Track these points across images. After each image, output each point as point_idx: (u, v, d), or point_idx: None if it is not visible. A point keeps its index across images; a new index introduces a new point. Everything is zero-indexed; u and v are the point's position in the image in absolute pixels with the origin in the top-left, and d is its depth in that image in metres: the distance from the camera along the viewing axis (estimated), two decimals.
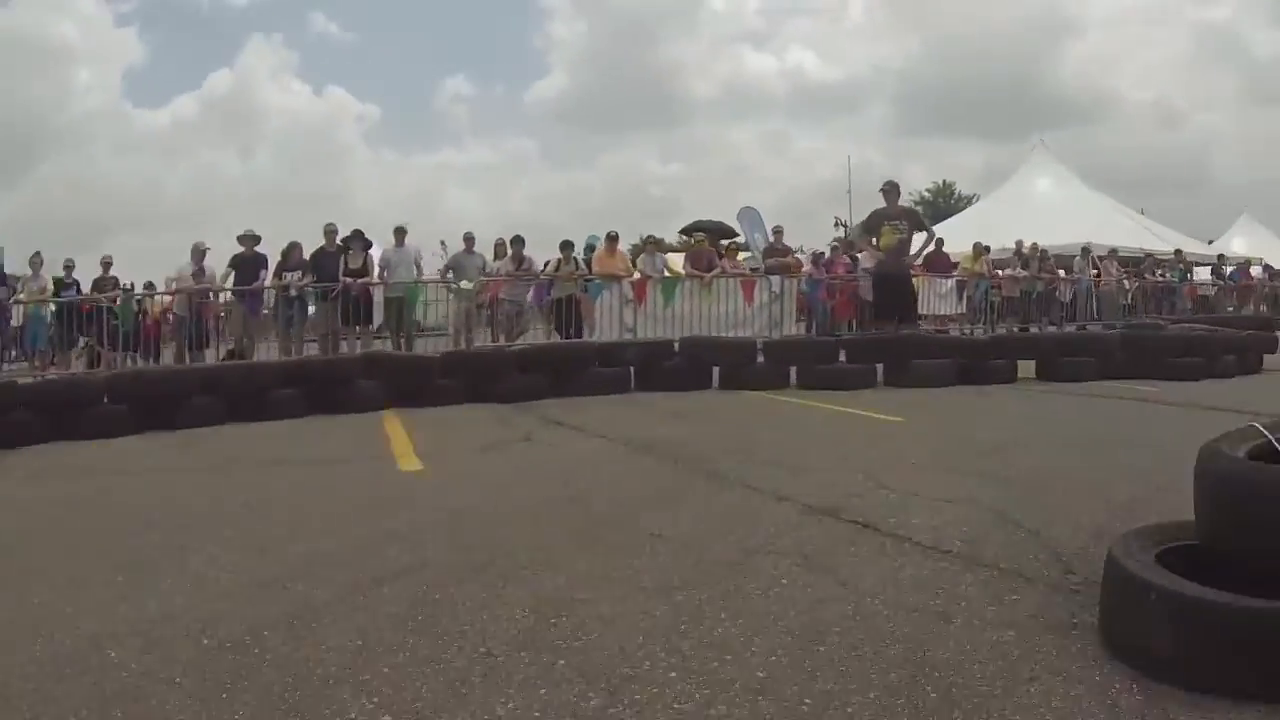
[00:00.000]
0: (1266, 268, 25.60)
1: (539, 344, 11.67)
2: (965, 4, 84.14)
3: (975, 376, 9.20)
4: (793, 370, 9.47)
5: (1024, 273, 16.91)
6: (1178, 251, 21.97)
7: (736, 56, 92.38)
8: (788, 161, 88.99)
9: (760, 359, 9.66)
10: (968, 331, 15.36)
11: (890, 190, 10.52)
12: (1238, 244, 28.34)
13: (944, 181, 58.79)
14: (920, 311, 14.78)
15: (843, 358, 9.60)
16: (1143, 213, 28.83)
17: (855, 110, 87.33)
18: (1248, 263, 24.18)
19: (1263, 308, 22.92)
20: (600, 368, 9.38)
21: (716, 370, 9.54)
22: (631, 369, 9.52)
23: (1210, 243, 28.39)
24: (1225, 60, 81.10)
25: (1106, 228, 22.06)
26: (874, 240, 10.63)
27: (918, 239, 10.94)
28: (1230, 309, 21.77)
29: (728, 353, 9.73)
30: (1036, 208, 24.35)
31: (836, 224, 40.13)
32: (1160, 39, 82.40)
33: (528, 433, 6.56)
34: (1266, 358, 10.93)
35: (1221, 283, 22.36)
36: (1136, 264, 20.39)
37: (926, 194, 51.93)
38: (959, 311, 15.86)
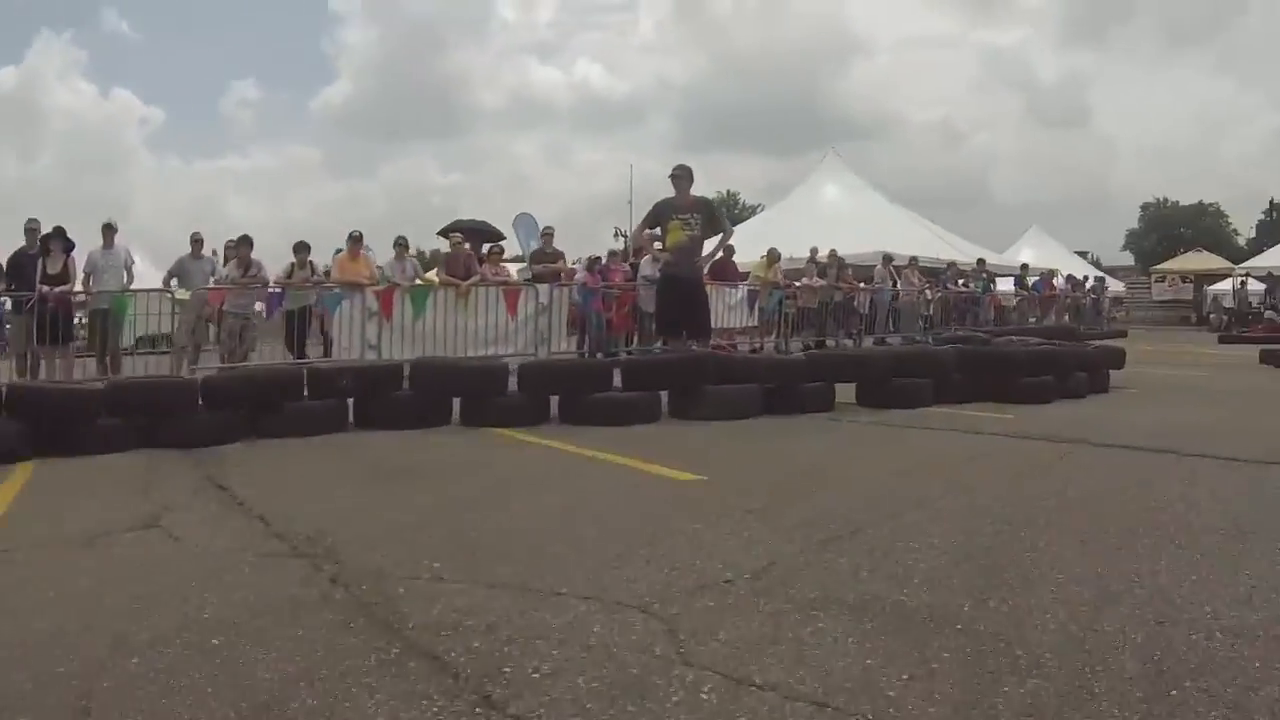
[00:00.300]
0: (1069, 278, 28.34)
1: (228, 371, 10.77)
2: (755, 23, 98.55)
3: (785, 403, 8.38)
4: (556, 400, 8.32)
5: (821, 281, 17.63)
6: (981, 261, 23.74)
7: (523, 67, 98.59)
8: (570, 173, 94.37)
9: (513, 386, 8.37)
10: (758, 346, 15.85)
11: (681, 176, 9.28)
12: (1026, 254, 31.11)
13: (728, 192, 61.86)
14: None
15: (619, 382, 8.45)
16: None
17: (639, 124, 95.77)
18: (1051, 273, 26.62)
19: (1065, 318, 25.30)
20: (310, 400, 8.12)
21: (458, 401, 8.32)
22: (350, 401, 8.29)
23: (1000, 254, 31.07)
24: (1011, 83, 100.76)
25: (903, 237, 23.23)
26: (659, 239, 9.72)
27: (710, 241, 10.31)
28: (1032, 320, 23.85)
29: (471, 379, 8.40)
30: (828, 216, 25.36)
31: (616, 234, 40.82)
32: (948, 61, 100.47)
33: (163, 507, 5.00)
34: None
35: (1025, 293, 24.47)
36: (938, 274, 21.85)
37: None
38: (750, 324, 16.16)
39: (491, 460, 6.51)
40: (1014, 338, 12.44)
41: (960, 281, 21.92)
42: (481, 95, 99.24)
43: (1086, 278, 30.99)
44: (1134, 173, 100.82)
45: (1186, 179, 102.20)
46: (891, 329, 19.02)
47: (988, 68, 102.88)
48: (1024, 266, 25.54)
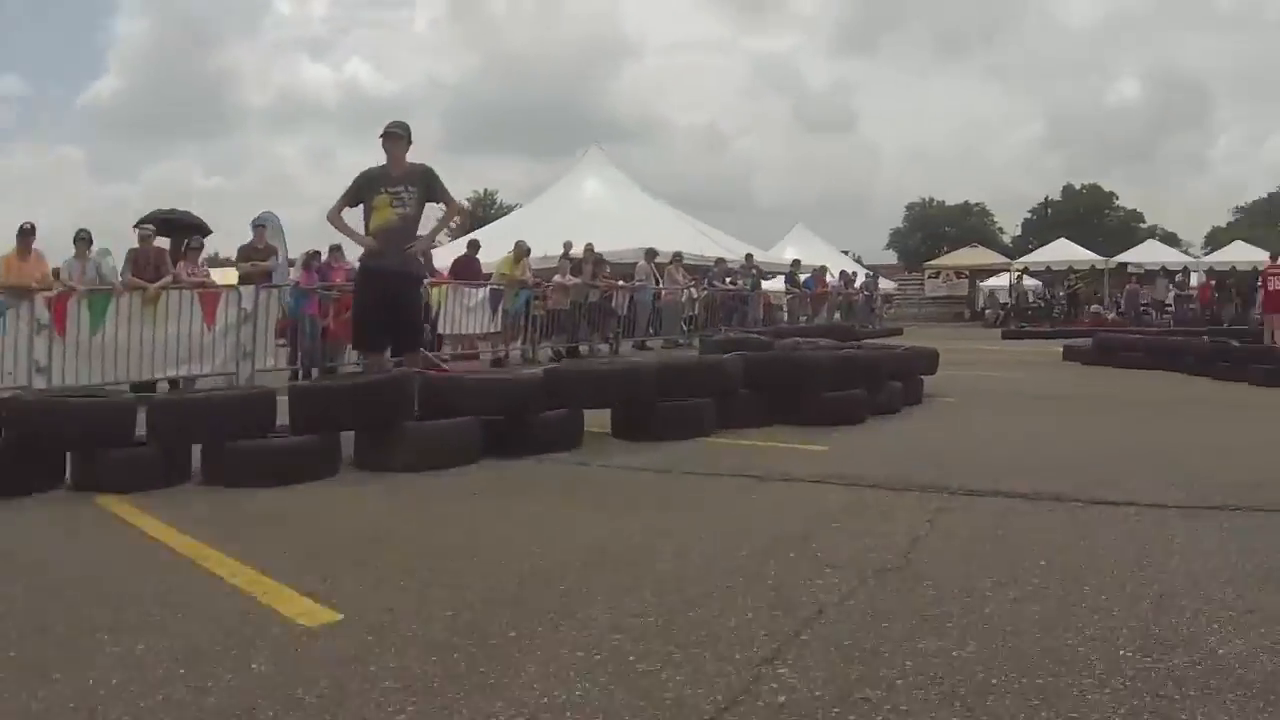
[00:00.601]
0: (842, 274, 30.02)
1: None
2: (529, 24, 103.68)
3: (516, 441, 6.74)
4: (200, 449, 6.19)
5: (575, 279, 17.52)
6: (749, 256, 24.59)
7: (294, 64, 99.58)
8: (334, 176, 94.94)
9: (142, 433, 6.17)
10: (502, 354, 15.33)
11: (396, 136, 7.73)
12: (791, 252, 32.28)
13: (485, 190, 62.89)
14: (441, 330, 14.29)
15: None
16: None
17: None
18: (823, 269, 28.07)
19: (836, 316, 26.70)
20: None
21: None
22: None
23: (766, 251, 32.63)
24: (780, 88, 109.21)
25: (667, 234, 23.52)
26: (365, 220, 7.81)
27: (432, 221, 8.86)
28: (804, 318, 25.00)
29: (76, 423, 5.99)
30: (588, 212, 25.55)
31: None
32: (718, 66, 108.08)
33: None
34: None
35: (796, 290, 25.61)
36: (704, 272, 22.36)
37: (466, 203, 55.45)
38: (492, 329, 15.67)
39: (70, 562, 4.34)
40: (800, 340, 11.85)
41: (728, 279, 22.60)
42: (250, 93, 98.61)
43: (856, 274, 32.94)
44: (898, 176, 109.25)
45: (950, 183, 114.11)
46: (653, 332, 19.28)
47: (757, 73, 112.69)
48: (795, 262, 26.59)
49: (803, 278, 26.10)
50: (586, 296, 17.54)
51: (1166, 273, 33.86)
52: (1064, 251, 36.92)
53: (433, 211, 8.58)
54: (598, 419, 7.40)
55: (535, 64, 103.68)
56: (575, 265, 18.10)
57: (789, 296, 25.28)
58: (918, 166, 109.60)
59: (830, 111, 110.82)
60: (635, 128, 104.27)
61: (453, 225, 12.08)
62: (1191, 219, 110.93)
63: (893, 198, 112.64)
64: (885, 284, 39.07)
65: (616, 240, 21.12)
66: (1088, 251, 37.52)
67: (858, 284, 31.08)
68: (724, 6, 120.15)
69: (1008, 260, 40.46)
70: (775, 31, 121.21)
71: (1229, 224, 67.99)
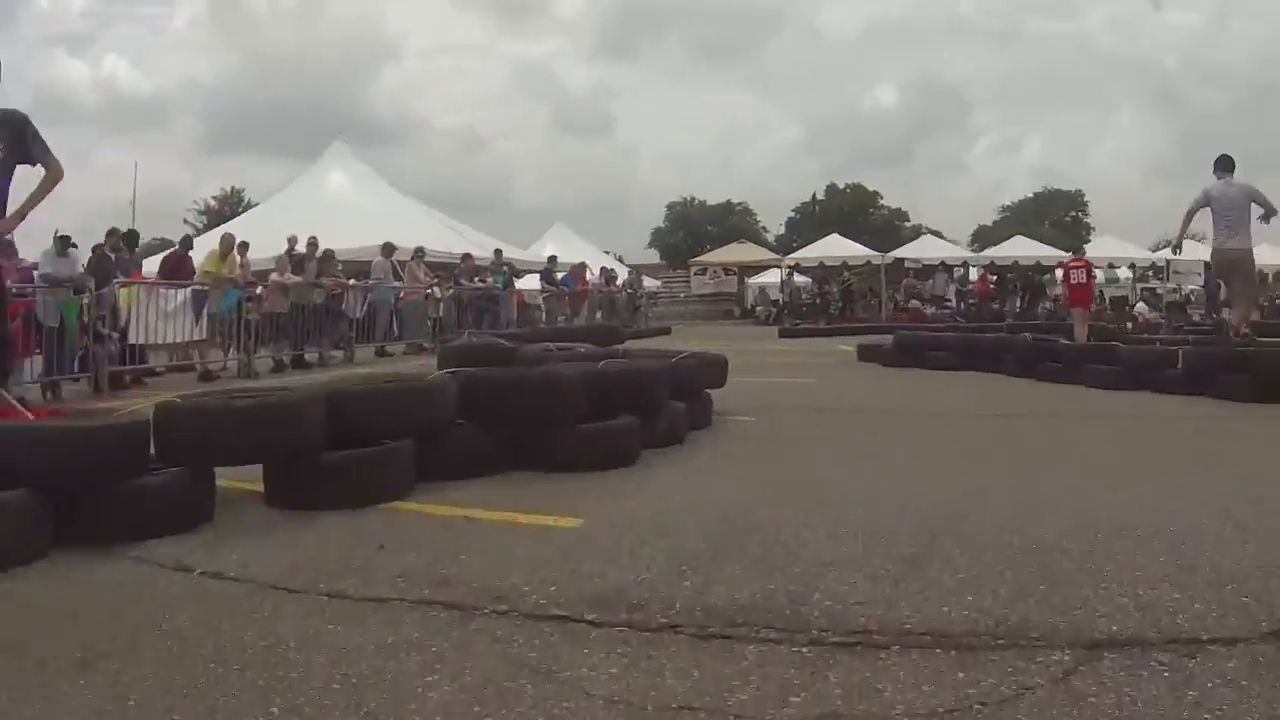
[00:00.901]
0: (603, 271, 30.27)
1: None
2: (289, 24, 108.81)
3: (96, 519, 4.57)
4: None
5: (295, 278, 16.63)
6: (498, 252, 24.26)
7: (51, 60, 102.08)
8: (93, 176, 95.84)
9: None
10: (221, 366, 14.43)
11: None
12: (550, 250, 31.97)
13: (233, 188, 62.45)
14: (135, 340, 13.26)
15: None
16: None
17: (162, 124, 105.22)
18: (583, 266, 28.15)
19: (598, 315, 26.86)
20: None
21: None
22: None
23: (524, 250, 32.65)
24: (539, 92, 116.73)
25: (415, 230, 23.01)
26: None
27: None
28: (562, 318, 25.00)
29: None
30: (330, 208, 25.29)
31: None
32: (477, 69, 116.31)
33: None
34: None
35: (553, 289, 25.55)
36: (450, 270, 21.89)
37: (213, 202, 57.24)
38: (197, 337, 14.43)
39: None
40: (552, 346, 10.01)
41: (476, 278, 22.24)
42: (8, 91, 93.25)
43: (615, 272, 33.26)
44: (659, 179, 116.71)
45: (710, 186, 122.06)
46: (396, 335, 18.71)
47: (516, 76, 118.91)
48: (551, 259, 26.61)
49: (560, 275, 26.09)
50: (310, 297, 16.73)
51: (945, 267, 36.05)
52: (836, 247, 38.69)
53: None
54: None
55: (295, 65, 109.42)
56: (297, 262, 17.28)
57: (545, 295, 25.18)
58: (678, 169, 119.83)
59: (590, 115, 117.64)
60: (395, 129, 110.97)
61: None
62: (954, 218, 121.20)
63: (654, 199, 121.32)
64: (649, 282, 39.79)
65: (360, 237, 20.47)
66: (862, 247, 39.44)
67: (619, 281, 31.40)
68: (485, 10, 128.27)
69: (778, 256, 42.07)
70: (535, 36, 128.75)
71: (994, 222, 74.22)
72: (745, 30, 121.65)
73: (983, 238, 62.34)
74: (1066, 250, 29.87)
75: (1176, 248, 13.97)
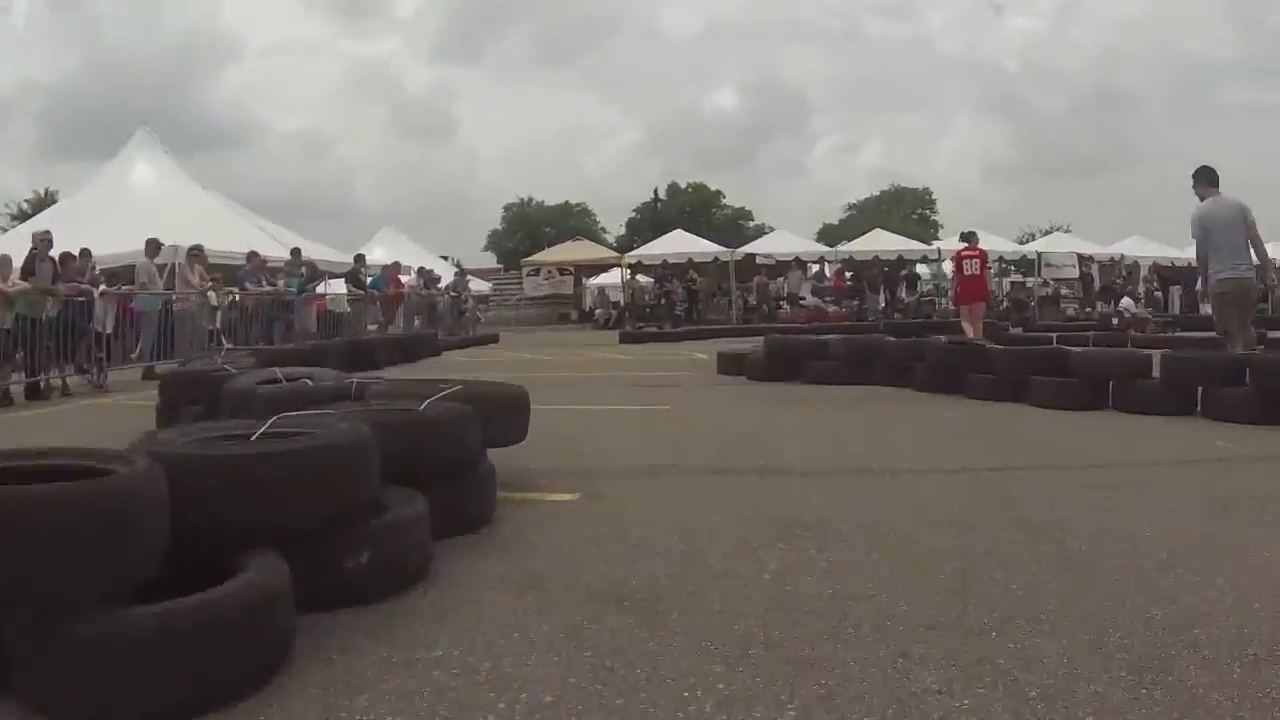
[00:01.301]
0: (421, 271, 27.36)
1: None
2: (126, 22, 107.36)
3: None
4: None
5: (22, 284, 13.34)
6: (296, 251, 21.05)
7: None
8: None
9: None
10: None
11: None
12: (379, 252, 30.42)
13: (46, 190, 60.43)
14: None
15: None
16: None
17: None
18: (395, 266, 25.21)
19: (416, 321, 24.03)
20: None
21: None
22: None
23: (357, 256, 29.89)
24: (378, 93, 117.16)
25: (216, 230, 20.55)
26: None
27: None
28: (374, 326, 22.13)
29: None
30: (130, 205, 22.44)
31: None
32: (317, 70, 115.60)
33: None
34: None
35: (362, 292, 22.58)
36: (235, 272, 18.81)
37: (26, 205, 56.15)
38: None
39: None
40: (279, 372, 6.64)
41: (265, 281, 19.07)
42: None
43: (437, 273, 30.34)
44: (500, 182, 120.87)
45: (550, 188, 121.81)
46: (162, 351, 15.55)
47: (356, 77, 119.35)
48: (359, 257, 23.55)
49: (370, 278, 23.18)
50: (45, 308, 13.53)
51: (800, 263, 34.19)
52: (680, 243, 36.34)
53: None
54: None
55: (130, 63, 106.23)
56: (27, 265, 14.04)
57: (352, 299, 22.21)
58: (517, 172, 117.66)
59: (429, 117, 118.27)
60: (232, 131, 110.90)
61: None
62: (798, 218, 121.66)
63: (494, 202, 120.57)
64: (479, 284, 37.02)
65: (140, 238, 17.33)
66: (709, 243, 37.29)
67: (442, 284, 28.58)
68: (326, 9, 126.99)
69: (618, 254, 39.60)
70: (374, 36, 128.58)
71: (840, 220, 74.05)
72: (585, 32, 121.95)
73: (830, 235, 61.13)
74: (930, 244, 28.27)
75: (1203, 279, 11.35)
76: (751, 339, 17.71)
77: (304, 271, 20.45)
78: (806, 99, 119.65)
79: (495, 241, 77.04)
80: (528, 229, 74.00)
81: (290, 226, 27.18)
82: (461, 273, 31.77)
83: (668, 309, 31.68)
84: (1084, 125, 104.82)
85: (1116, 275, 33.87)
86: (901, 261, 35.92)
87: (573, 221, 72.67)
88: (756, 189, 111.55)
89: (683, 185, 79.25)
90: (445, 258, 45.52)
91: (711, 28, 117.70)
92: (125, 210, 21.51)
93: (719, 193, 78.97)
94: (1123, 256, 35.88)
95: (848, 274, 33.44)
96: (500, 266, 57.70)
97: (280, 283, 19.46)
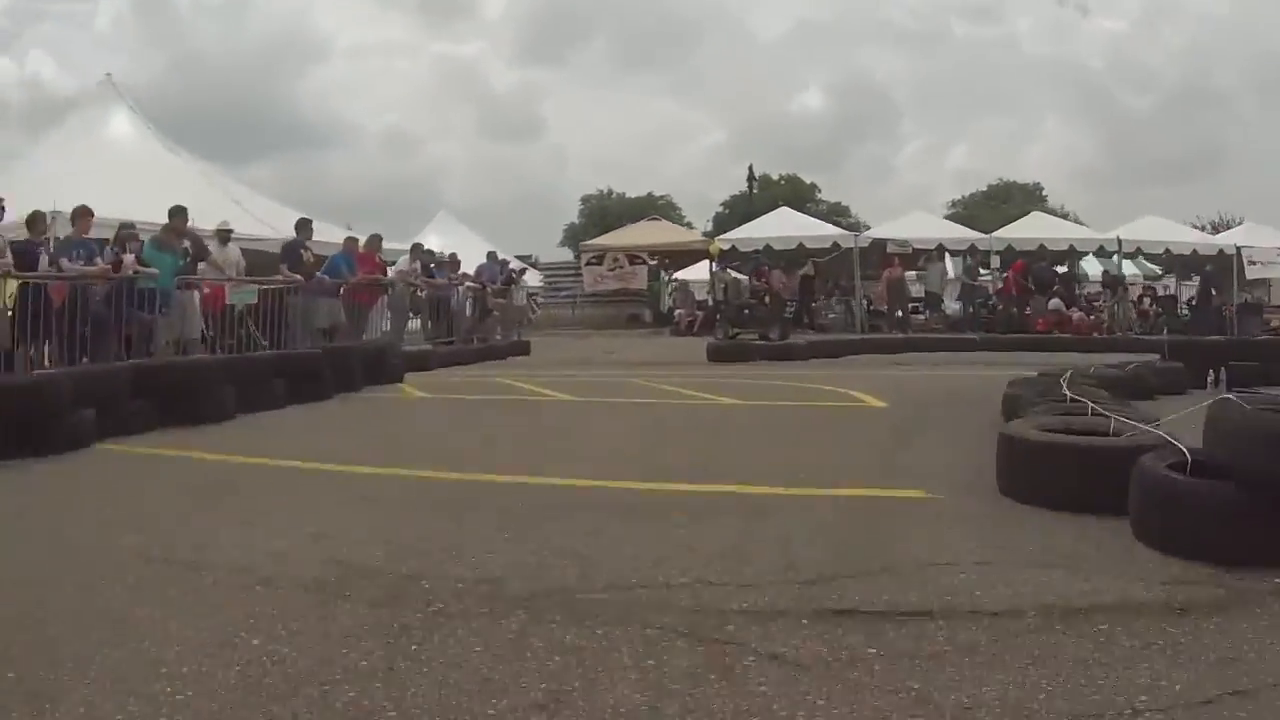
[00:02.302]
0: (414, 250, 18.53)
1: None
2: (211, 24, 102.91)
3: None
4: None
5: None
6: (176, 211, 12.46)
7: None
8: (11, 179, 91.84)
9: None
10: None
11: None
12: (435, 241, 24.58)
13: None
14: None
15: None
16: None
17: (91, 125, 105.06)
18: (374, 241, 16.47)
19: (413, 323, 15.40)
20: None
21: None
22: None
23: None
24: (465, 94, 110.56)
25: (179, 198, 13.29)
26: None
27: None
28: (324, 329, 13.37)
29: None
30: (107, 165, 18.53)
31: None
32: (403, 71, 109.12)
33: None
34: None
35: (299, 278, 13.90)
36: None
37: None
38: None
39: None
40: None
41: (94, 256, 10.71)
42: None
43: (452, 256, 21.76)
44: (583, 182, 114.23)
45: (635, 186, 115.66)
46: None
47: (442, 77, 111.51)
48: (302, 223, 14.77)
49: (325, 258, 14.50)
50: None
51: (942, 252, 25.17)
52: (787, 224, 27.38)
53: None
54: None
55: (217, 64, 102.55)
56: None
57: (275, 290, 13.37)
58: (601, 174, 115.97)
59: (517, 118, 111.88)
60: (323, 132, 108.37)
61: None
62: (889, 216, 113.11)
63: (577, 202, 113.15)
64: (534, 279, 28.23)
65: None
66: (824, 224, 28.33)
67: (461, 272, 19.82)
68: (409, 8, 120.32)
69: (704, 237, 30.22)
70: (462, 37, 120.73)
71: (945, 217, 63.73)
72: (669, 35, 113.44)
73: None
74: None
75: None
76: (919, 359, 15.60)
77: (185, 247, 11.91)
78: (892, 101, 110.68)
79: (571, 236, 68.24)
80: (606, 222, 64.98)
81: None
82: (495, 258, 22.65)
83: (774, 311, 22.34)
84: (1169, 127, 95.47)
85: None
86: (1074, 252, 26.68)
87: (655, 214, 63.88)
88: (844, 191, 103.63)
89: (775, 177, 69.58)
90: (524, 257, 36.79)
91: (794, 30, 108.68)
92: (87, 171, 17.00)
93: (814, 185, 69.66)
94: None
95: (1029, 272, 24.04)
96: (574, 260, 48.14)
97: (127, 259, 10.88)
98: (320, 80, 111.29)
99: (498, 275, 21.87)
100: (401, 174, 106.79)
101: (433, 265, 19.06)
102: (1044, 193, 67.91)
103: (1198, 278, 27.32)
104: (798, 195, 66.18)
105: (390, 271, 16.66)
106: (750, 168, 57.89)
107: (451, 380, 12.97)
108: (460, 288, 19.45)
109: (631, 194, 71.43)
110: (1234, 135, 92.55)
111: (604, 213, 67.84)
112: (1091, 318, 22.33)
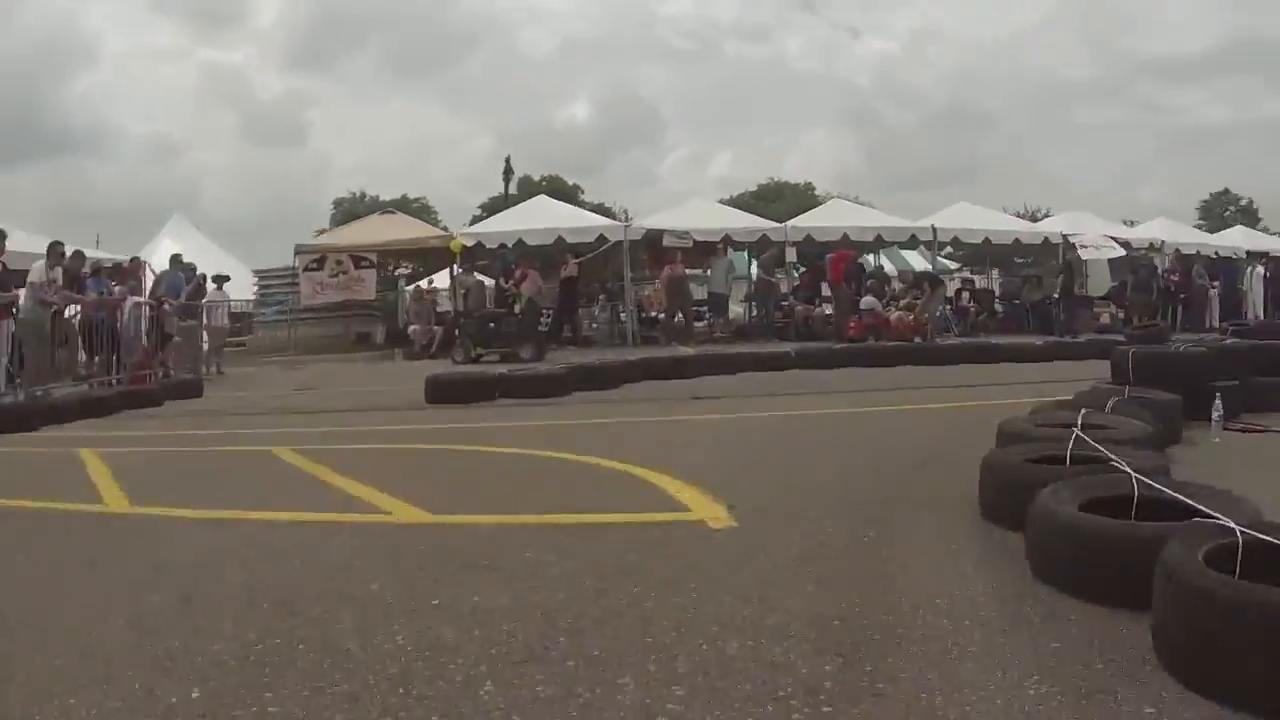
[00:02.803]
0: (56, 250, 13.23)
1: None
2: None
3: None
4: None
5: None
6: None
7: None
8: None
9: None
10: None
11: None
12: (168, 247, 21.39)
13: None
14: None
15: None
16: None
17: None
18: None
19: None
20: None
21: None
22: None
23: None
24: (231, 101, 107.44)
25: None
26: None
27: None
28: None
29: None
30: None
31: None
32: (169, 77, 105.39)
33: None
34: None
35: None
36: None
37: None
38: None
39: None
40: None
41: None
42: None
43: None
44: (348, 188, 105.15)
45: (390, 190, 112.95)
46: None
47: (210, 84, 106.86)
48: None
49: None
50: None
51: (729, 245, 21.28)
52: (545, 214, 22.61)
53: None
54: None
55: None
56: None
57: None
58: (365, 183, 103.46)
59: (282, 126, 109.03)
60: (84, 137, 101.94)
61: None
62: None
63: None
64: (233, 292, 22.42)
65: None
66: (589, 213, 24.15)
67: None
68: (180, 15, 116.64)
69: (445, 232, 24.45)
70: (229, 44, 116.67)
71: None
72: (441, 47, 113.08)
73: None
74: None
75: None
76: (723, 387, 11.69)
77: None
78: (659, 114, 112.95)
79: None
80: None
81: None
82: (181, 267, 17.17)
83: (527, 323, 17.59)
84: (929, 140, 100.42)
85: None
86: (882, 242, 23.54)
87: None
88: (608, 194, 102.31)
89: (536, 178, 65.29)
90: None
91: (570, 43, 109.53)
92: None
93: (577, 186, 65.05)
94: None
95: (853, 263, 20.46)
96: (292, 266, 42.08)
97: None
98: (85, 85, 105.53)
99: (182, 286, 16.55)
100: (160, 182, 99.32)
101: (88, 273, 13.86)
102: (815, 192, 65.79)
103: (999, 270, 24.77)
104: (561, 197, 62.29)
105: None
106: (508, 160, 52.39)
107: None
108: (126, 305, 14.25)
109: (385, 196, 65.20)
110: (991, 150, 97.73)
111: (354, 218, 62.33)
112: (912, 319, 18.79)
